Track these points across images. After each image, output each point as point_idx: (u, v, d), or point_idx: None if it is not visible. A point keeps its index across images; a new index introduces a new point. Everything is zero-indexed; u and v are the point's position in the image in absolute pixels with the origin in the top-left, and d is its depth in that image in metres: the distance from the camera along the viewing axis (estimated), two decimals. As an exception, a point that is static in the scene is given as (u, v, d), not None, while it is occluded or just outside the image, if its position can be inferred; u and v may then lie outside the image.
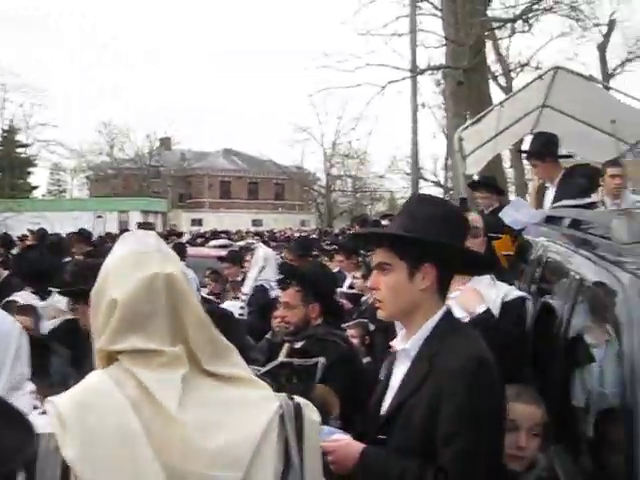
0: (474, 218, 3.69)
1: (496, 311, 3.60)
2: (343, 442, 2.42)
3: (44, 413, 1.68)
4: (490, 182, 7.93)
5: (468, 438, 2.29)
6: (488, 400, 2.32)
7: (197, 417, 1.70)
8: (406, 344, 2.57)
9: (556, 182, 6.55)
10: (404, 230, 2.57)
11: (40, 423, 1.63)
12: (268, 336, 5.86)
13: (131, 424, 1.64)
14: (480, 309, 3.50)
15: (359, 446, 2.46)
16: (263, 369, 3.47)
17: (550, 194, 6.51)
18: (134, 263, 1.81)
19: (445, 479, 2.29)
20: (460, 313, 3.50)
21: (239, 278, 8.50)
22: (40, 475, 1.61)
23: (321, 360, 3.54)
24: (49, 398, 1.72)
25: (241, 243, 15.19)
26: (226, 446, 1.70)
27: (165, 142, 65.42)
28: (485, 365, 2.36)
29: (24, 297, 5.30)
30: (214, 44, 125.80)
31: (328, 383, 3.47)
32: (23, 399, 2.18)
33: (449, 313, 2.58)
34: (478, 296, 3.57)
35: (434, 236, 2.51)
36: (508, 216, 6.01)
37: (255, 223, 58.79)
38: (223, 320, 5.79)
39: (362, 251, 7.96)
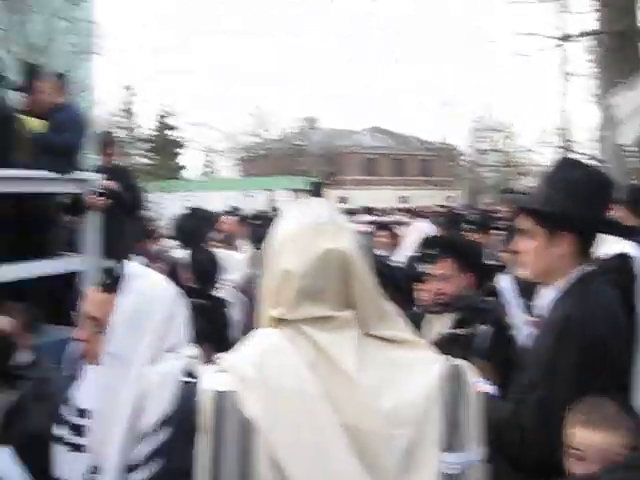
0: None
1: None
2: None
3: (222, 371, 1.76)
4: None
5: (543, 392, 2.40)
6: (568, 358, 2.39)
7: (370, 377, 1.75)
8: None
9: None
10: (544, 199, 2.65)
11: (220, 381, 1.73)
12: (415, 309, 5.83)
13: (309, 383, 1.70)
14: None
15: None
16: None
17: None
18: (310, 235, 1.85)
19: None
20: None
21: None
22: (218, 431, 1.69)
23: (486, 328, 3.55)
24: (221, 355, 1.80)
25: (387, 219, 15.09)
26: (398, 405, 1.74)
27: (309, 121, 65.90)
28: (574, 323, 2.43)
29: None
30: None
31: (492, 351, 3.47)
32: (174, 363, 2.20)
33: (584, 272, 2.63)
34: None
35: (573, 206, 2.56)
36: None
37: (402, 200, 58.17)
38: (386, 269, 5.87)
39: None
